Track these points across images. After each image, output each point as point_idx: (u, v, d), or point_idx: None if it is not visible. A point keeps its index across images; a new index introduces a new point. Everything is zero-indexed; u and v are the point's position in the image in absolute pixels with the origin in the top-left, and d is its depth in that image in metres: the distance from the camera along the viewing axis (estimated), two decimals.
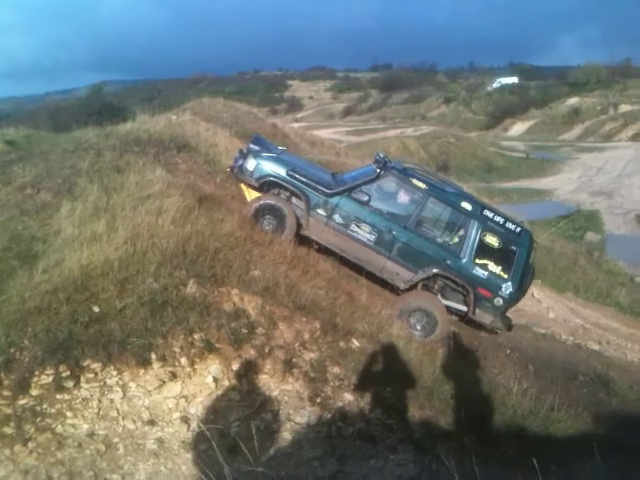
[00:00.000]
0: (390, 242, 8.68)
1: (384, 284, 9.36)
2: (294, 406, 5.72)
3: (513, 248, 8.70)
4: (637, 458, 7.70)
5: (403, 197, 8.85)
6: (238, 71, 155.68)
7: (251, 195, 8.96)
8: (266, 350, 5.88)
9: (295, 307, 6.48)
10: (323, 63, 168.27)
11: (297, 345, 6.13)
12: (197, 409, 5.36)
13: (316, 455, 5.36)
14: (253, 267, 6.77)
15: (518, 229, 8.79)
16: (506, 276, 8.66)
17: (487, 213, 8.74)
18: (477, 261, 8.67)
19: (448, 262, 8.65)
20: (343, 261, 8.99)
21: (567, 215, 29.49)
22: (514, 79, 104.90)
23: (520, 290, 8.83)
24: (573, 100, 75.33)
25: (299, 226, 8.73)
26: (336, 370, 6.14)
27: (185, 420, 5.25)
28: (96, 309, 5.42)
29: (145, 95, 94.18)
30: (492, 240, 8.68)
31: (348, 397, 5.99)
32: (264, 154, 8.88)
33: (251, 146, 9.14)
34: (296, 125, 63.97)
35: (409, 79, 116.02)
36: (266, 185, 8.80)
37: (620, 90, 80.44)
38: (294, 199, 8.82)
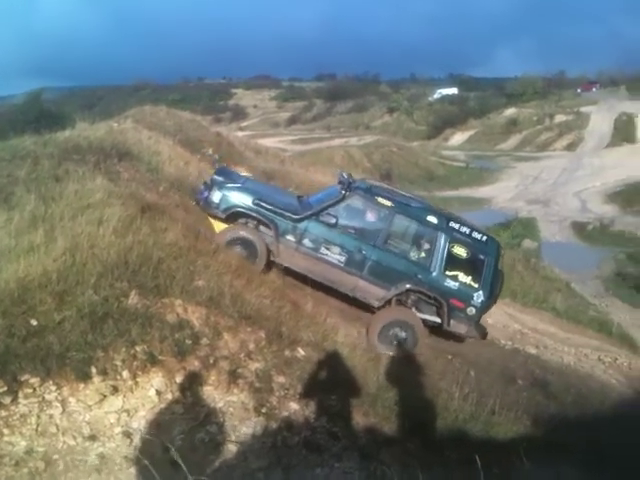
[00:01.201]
0: (361, 261, 8.76)
1: (329, 292, 9.43)
2: (239, 417, 5.67)
3: (481, 257, 8.87)
4: (573, 457, 7.99)
5: (370, 216, 8.95)
6: (182, 78, 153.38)
7: (219, 227, 8.91)
8: (210, 361, 5.82)
9: (240, 317, 6.44)
10: (267, 72, 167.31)
11: (242, 355, 6.09)
12: (140, 423, 5.24)
13: (261, 466, 5.32)
14: (197, 277, 6.69)
15: (484, 238, 8.99)
16: (477, 285, 8.82)
17: (453, 225, 8.88)
18: (447, 273, 8.80)
19: (419, 276, 8.78)
20: (288, 271, 9.01)
21: (505, 223, 30.36)
22: (454, 90, 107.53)
23: (491, 298, 9.01)
24: (510, 111, 77.64)
25: (270, 254, 8.76)
26: (281, 379, 6.13)
27: (127, 435, 5.13)
28: (34, 322, 5.24)
29: (85, 102, 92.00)
30: (460, 251, 8.82)
31: (294, 406, 5.98)
32: (229, 185, 8.85)
33: (215, 177, 9.11)
34: (241, 134, 63.64)
35: (353, 89, 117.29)
36: (233, 216, 8.78)
37: (555, 101, 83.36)
38: (262, 227, 8.82)
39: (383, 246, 8.79)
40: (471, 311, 8.88)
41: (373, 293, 8.90)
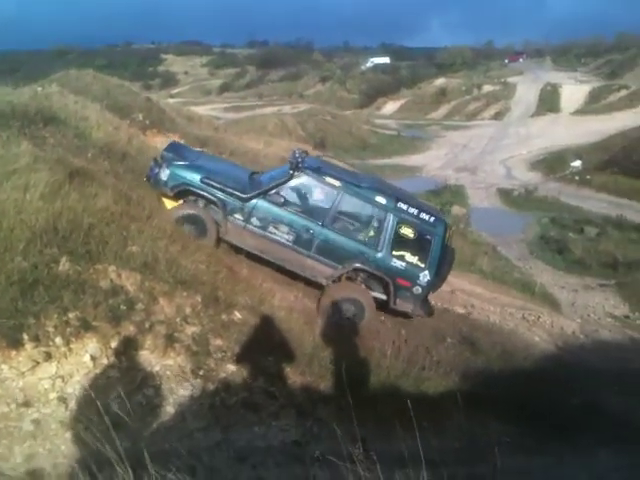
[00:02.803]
0: (308, 241, 8.77)
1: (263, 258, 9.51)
2: (177, 380, 5.70)
3: (428, 237, 8.91)
4: (498, 409, 8.44)
5: (318, 195, 8.88)
6: (108, 44, 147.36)
7: (170, 204, 8.77)
8: (146, 326, 5.80)
9: (176, 282, 6.42)
10: (198, 38, 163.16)
11: (178, 320, 6.10)
12: (75, 388, 5.20)
13: (199, 426, 5.40)
14: (131, 243, 6.60)
15: (432, 218, 8.96)
16: (423, 265, 8.92)
17: (401, 205, 8.88)
18: (394, 253, 8.88)
19: (366, 256, 8.85)
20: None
21: (435, 190, 31.09)
22: (386, 59, 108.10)
23: (438, 277, 9.15)
24: (440, 81, 78.83)
25: (219, 232, 8.69)
26: (219, 342, 6.19)
27: (63, 400, 5.09)
28: None
29: (5, 67, 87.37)
30: (407, 231, 8.86)
31: (231, 368, 6.06)
32: (177, 162, 8.69)
33: (164, 153, 8.92)
34: (171, 101, 62.19)
35: (286, 57, 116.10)
36: (183, 193, 8.65)
37: (483, 71, 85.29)
38: (212, 205, 8.72)
39: (331, 226, 8.83)
40: (417, 290, 9.03)
41: (321, 272, 8.96)
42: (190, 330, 6.10)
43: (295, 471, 5.16)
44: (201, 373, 5.84)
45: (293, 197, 8.77)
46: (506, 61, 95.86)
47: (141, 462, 3.42)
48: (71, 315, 5.49)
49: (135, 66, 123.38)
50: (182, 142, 10.85)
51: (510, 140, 47.45)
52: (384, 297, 9.25)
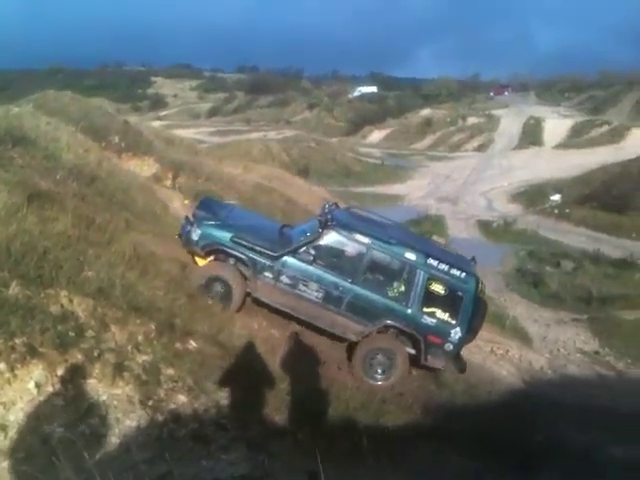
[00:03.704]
0: (338, 298, 8.78)
1: None
2: (124, 410, 5.58)
3: (459, 294, 8.87)
4: (460, 444, 8.37)
5: (348, 252, 8.91)
6: (99, 64, 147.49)
7: (201, 262, 8.93)
8: (95, 354, 5.69)
9: (130, 308, 6.33)
10: (189, 61, 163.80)
11: (130, 347, 6.00)
12: (17, 416, 5.08)
13: (145, 458, 5.26)
14: (87, 268, 6.52)
15: (463, 274, 8.88)
16: (454, 322, 8.88)
17: (431, 262, 8.83)
18: (425, 309, 8.85)
19: (397, 312, 8.82)
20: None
21: (416, 219, 31.26)
22: (373, 88, 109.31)
23: (470, 333, 9.10)
24: (426, 111, 79.82)
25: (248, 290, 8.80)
26: (170, 372, 6.09)
27: (3, 428, 4.96)
28: None
29: None
30: (438, 288, 8.82)
31: (182, 399, 5.95)
32: (208, 222, 8.82)
33: (196, 212, 9.09)
34: (159, 123, 62.40)
35: (275, 83, 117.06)
36: (214, 251, 8.77)
37: (469, 103, 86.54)
38: (240, 263, 8.79)
39: (361, 282, 8.81)
40: (448, 347, 8.97)
41: (351, 328, 8.92)
42: (141, 359, 5.99)
43: None
44: (150, 403, 5.72)
45: (322, 254, 8.80)
46: (491, 94, 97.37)
47: None
48: (17, 340, 5.37)
49: (125, 87, 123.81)
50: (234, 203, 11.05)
51: (492, 172, 47.96)
52: (414, 352, 9.13)
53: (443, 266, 8.86)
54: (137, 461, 5.30)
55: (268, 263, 8.72)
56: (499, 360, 12.61)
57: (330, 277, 8.77)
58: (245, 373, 6.84)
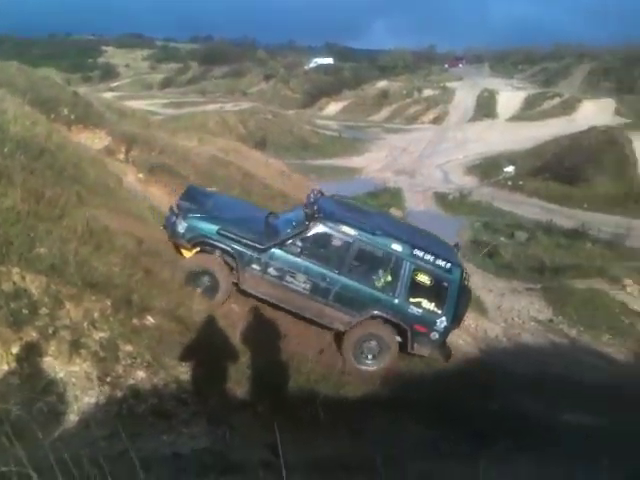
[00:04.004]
0: (326, 289, 8.85)
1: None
2: (82, 387, 5.50)
3: (445, 284, 9.03)
4: (417, 413, 8.54)
5: (334, 244, 8.95)
6: (48, 33, 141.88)
7: (187, 254, 8.90)
8: (50, 331, 5.57)
9: (85, 285, 6.19)
10: (140, 30, 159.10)
11: (85, 324, 5.88)
12: None
13: (104, 434, 5.20)
14: (38, 244, 6.34)
15: (448, 265, 9.03)
16: (440, 311, 9.03)
17: (417, 252, 8.96)
18: (411, 300, 8.98)
19: (383, 303, 8.93)
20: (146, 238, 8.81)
21: (374, 192, 31.41)
22: (329, 60, 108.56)
23: (455, 321, 9.26)
24: (382, 83, 79.66)
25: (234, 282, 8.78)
26: (128, 348, 6.01)
27: None
28: None
29: None
30: (424, 278, 8.97)
31: (141, 375, 5.89)
32: (194, 214, 8.80)
33: (181, 203, 9.06)
34: (110, 94, 60.70)
35: (229, 53, 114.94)
36: (200, 243, 8.72)
37: (424, 75, 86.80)
38: (227, 255, 8.77)
39: (348, 274, 8.90)
40: (434, 336, 9.13)
41: (338, 319, 9.00)
42: (98, 335, 5.89)
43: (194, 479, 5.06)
44: (108, 380, 5.64)
45: (309, 246, 8.84)
46: (446, 66, 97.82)
47: (40, 471, 3.26)
48: None
49: (74, 57, 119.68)
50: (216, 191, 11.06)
51: (448, 144, 48.43)
52: (400, 340, 9.28)
53: (429, 257, 9.01)
54: (96, 438, 5.24)
55: (255, 255, 8.75)
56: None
57: (317, 268, 8.85)
58: (205, 348, 6.80)
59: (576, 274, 19.87)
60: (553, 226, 27.49)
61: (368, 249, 8.98)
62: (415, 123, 62.54)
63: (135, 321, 6.33)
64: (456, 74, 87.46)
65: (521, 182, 36.64)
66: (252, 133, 45.84)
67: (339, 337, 9.37)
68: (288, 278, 8.81)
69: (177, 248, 9.16)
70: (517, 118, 59.33)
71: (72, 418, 5.30)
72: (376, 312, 9.00)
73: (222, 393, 6.56)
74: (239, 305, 8.97)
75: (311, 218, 8.92)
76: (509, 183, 36.79)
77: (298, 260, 8.79)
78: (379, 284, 9.01)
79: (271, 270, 8.78)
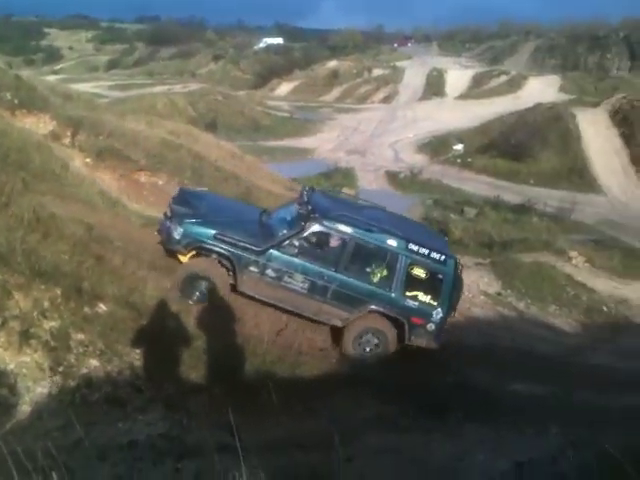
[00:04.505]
0: (323, 287, 8.88)
1: (141, 245, 9.25)
2: (34, 377, 5.44)
3: (439, 276, 9.13)
4: (374, 389, 8.68)
5: (331, 242, 8.99)
6: None
7: (183, 258, 8.79)
8: None
9: (33, 274, 6.10)
10: (84, 11, 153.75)
11: (35, 314, 5.81)
12: None
13: (58, 425, 5.17)
14: None
15: (442, 257, 9.13)
16: (435, 303, 9.12)
17: (412, 247, 9.04)
18: (407, 293, 9.05)
19: (380, 297, 9.00)
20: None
21: (326, 172, 31.50)
22: (279, 40, 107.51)
23: (450, 312, 9.40)
24: (332, 63, 79.37)
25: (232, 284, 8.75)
26: (80, 337, 5.96)
27: None
28: None
29: None
30: (419, 272, 9.06)
31: (94, 363, 5.86)
32: (189, 219, 8.70)
33: (174, 207, 8.95)
34: (54, 77, 58.85)
35: (177, 34, 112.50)
36: (196, 248, 8.65)
37: (374, 55, 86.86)
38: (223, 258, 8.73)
39: (345, 271, 8.95)
40: (431, 327, 9.25)
41: (336, 315, 9.05)
42: (48, 325, 5.82)
43: (160, 465, 5.08)
44: (60, 369, 5.60)
45: (307, 246, 8.88)
46: (395, 45, 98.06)
47: None
48: None
49: (16, 40, 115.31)
50: (189, 187, 11.11)
51: (398, 123, 48.74)
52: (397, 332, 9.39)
53: (423, 250, 9.12)
54: (50, 428, 5.21)
55: (253, 258, 8.75)
56: None
57: (315, 267, 8.89)
58: (158, 333, 6.78)
59: (523, 248, 20.39)
60: (501, 202, 28.14)
61: (364, 246, 9.09)
62: (366, 103, 62.64)
63: (86, 309, 6.28)
64: (405, 53, 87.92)
65: (470, 159, 37.26)
66: (202, 115, 45.19)
67: (295, 318, 9.45)
68: (286, 278, 8.86)
69: (169, 252, 9.14)
70: (465, 96, 60.05)
71: (24, 409, 5.25)
72: (373, 307, 9.13)
73: (177, 378, 6.57)
74: None
75: (307, 218, 8.97)
76: (458, 161, 37.38)
77: (295, 260, 8.84)
78: (375, 279, 9.14)
79: (269, 271, 8.81)
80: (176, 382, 6.42)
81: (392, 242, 9.08)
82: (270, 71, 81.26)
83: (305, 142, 42.46)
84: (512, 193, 30.26)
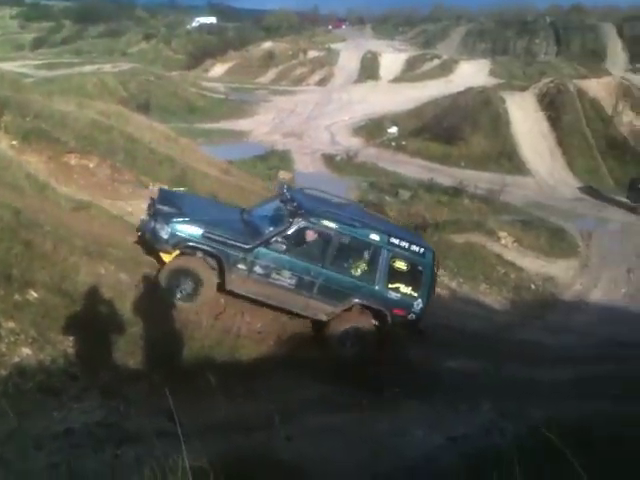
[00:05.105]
0: (310, 282, 9.15)
1: (72, 230, 9.02)
2: None
3: (419, 268, 9.56)
4: (314, 370, 8.83)
5: (317, 239, 9.25)
6: None
7: (167, 257, 8.73)
8: None
9: None
10: None
11: None
12: None
13: None
14: None
15: (422, 250, 9.58)
16: (416, 294, 9.53)
17: (393, 240, 9.41)
18: (390, 286, 9.40)
19: (364, 291, 9.29)
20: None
21: (263, 155, 31.32)
22: (212, 19, 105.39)
23: (429, 302, 9.77)
24: (267, 44, 78.45)
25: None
26: (11, 325, 5.83)
27: None
28: None
29: None
30: (400, 264, 9.42)
31: (26, 351, 5.75)
32: (177, 218, 8.81)
33: (159, 208, 9.02)
34: None
35: (106, 11, 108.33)
36: (185, 247, 8.67)
37: (309, 37, 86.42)
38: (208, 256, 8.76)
39: (330, 266, 9.24)
40: (412, 317, 9.63)
41: (322, 310, 9.30)
42: None
43: (100, 453, 5.03)
44: None
45: (293, 242, 9.09)
46: (330, 27, 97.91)
47: None
48: None
49: None
50: (167, 189, 10.98)
51: (334, 106, 48.80)
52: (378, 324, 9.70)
53: (404, 243, 9.50)
54: None
55: (241, 255, 8.87)
56: None
57: (302, 263, 9.14)
58: (93, 320, 6.71)
59: (456, 229, 20.97)
60: (434, 184, 28.74)
61: (348, 241, 9.41)
62: (301, 85, 62.35)
63: (17, 296, 6.14)
64: (340, 36, 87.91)
65: (404, 142, 37.79)
66: (134, 96, 43.91)
67: (234, 299, 9.46)
68: (274, 275, 9.06)
69: (149, 250, 9.20)
70: (399, 79, 60.59)
71: None
72: (357, 300, 9.42)
73: (114, 365, 6.51)
74: (128, 274, 8.77)
75: (294, 215, 9.19)
76: (393, 144, 37.84)
77: (283, 257, 9.05)
78: (359, 273, 9.46)
79: (257, 269, 8.98)
80: (112, 369, 6.37)
81: (375, 236, 9.45)
82: (203, 51, 79.60)
83: (241, 124, 41.99)
84: (445, 176, 30.94)
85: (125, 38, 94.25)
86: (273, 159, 31.21)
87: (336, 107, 48.40)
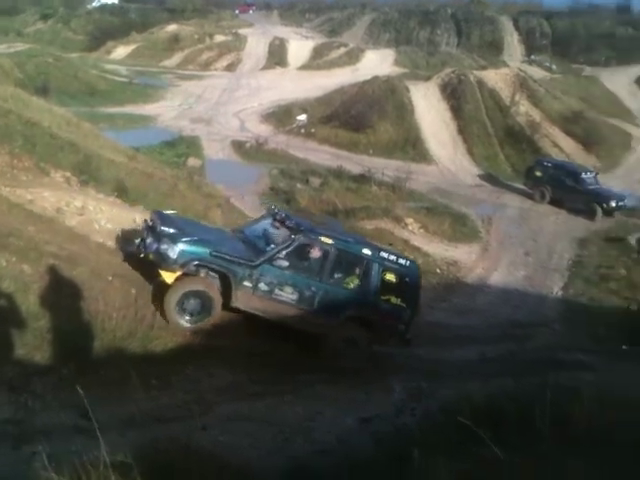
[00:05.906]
0: (311, 297, 9.68)
1: None
2: None
3: (407, 279, 10.29)
4: (228, 359, 8.88)
5: (316, 254, 9.75)
6: None
7: (168, 277, 8.73)
8: None
9: None
10: None
11: None
12: None
13: None
14: None
15: (408, 262, 10.54)
16: (405, 304, 10.23)
17: (383, 254, 10.22)
18: (381, 297, 10.06)
19: (359, 303, 9.99)
20: None
21: (170, 141, 30.66)
22: (114, 0, 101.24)
23: (415, 312, 10.62)
24: (172, 27, 76.26)
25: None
26: None
27: None
28: None
29: None
30: (390, 277, 10.10)
31: None
32: (184, 238, 8.95)
33: (164, 230, 9.11)
34: None
35: None
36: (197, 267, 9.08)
37: (215, 20, 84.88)
38: (211, 274, 9.25)
39: (328, 280, 9.85)
40: (401, 327, 10.35)
41: (320, 323, 9.77)
42: None
43: (8, 450, 4.90)
44: None
45: (295, 258, 9.62)
46: (237, 12, 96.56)
47: None
48: None
49: None
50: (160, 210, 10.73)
51: (243, 92, 48.27)
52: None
53: (392, 257, 10.23)
54: None
55: (247, 273, 9.23)
56: None
57: (303, 278, 9.66)
58: None
59: (365, 215, 21.50)
60: (343, 171, 29.15)
61: (344, 255, 9.93)
62: (209, 69, 61.13)
63: None
64: (247, 21, 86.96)
65: (313, 130, 37.98)
66: (32, 78, 41.54)
67: (146, 290, 9.33)
68: (277, 291, 9.46)
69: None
70: (307, 67, 60.70)
71: None
72: (352, 312, 9.92)
73: (20, 360, 6.34)
74: (31, 266, 8.42)
75: (296, 231, 9.72)
76: (302, 131, 37.96)
77: (286, 273, 9.52)
78: (354, 286, 10.00)
79: (261, 285, 9.34)
80: (19, 364, 6.20)
81: (367, 251, 10.14)
82: (105, 33, 76.42)
83: (147, 109, 40.73)
84: (353, 163, 31.47)
85: (21, 17, 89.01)
86: (182, 145, 30.60)
87: (245, 93, 47.94)
